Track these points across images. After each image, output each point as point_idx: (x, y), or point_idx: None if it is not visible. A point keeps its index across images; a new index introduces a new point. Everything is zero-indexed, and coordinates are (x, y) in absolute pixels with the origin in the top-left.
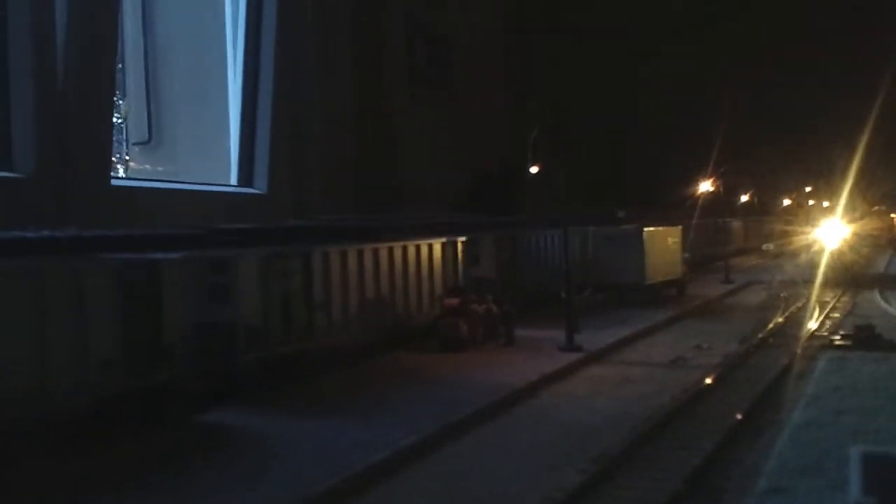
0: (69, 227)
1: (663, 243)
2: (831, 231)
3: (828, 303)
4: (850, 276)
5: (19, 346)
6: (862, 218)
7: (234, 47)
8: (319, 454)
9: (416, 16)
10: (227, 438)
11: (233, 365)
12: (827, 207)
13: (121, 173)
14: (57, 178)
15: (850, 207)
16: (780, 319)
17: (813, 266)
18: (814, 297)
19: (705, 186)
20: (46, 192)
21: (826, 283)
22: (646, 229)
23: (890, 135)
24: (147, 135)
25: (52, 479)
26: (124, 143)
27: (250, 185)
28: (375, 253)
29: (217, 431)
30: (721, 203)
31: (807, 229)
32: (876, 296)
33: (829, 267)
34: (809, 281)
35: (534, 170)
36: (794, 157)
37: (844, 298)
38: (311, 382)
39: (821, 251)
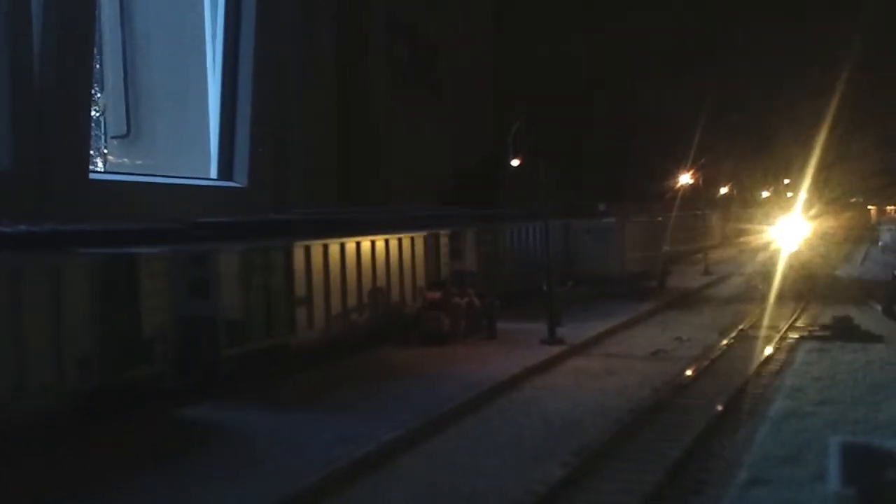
0: (47, 222)
1: (643, 236)
2: (789, 230)
3: (809, 291)
4: (810, 281)
5: None
6: (820, 215)
7: (213, 39)
8: (302, 449)
9: (399, 15)
10: (209, 434)
11: (214, 360)
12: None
13: (100, 167)
14: (35, 172)
15: (809, 204)
16: (759, 310)
17: (767, 270)
18: (772, 298)
19: (685, 179)
20: (25, 187)
21: (783, 295)
22: (625, 222)
23: (846, 133)
24: (126, 128)
25: (30, 479)
26: (103, 137)
27: (230, 179)
28: (357, 246)
29: (198, 427)
30: (701, 195)
31: (763, 227)
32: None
33: (788, 270)
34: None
35: (515, 163)
36: (769, 149)
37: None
38: (292, 377)
39: (778, 253)
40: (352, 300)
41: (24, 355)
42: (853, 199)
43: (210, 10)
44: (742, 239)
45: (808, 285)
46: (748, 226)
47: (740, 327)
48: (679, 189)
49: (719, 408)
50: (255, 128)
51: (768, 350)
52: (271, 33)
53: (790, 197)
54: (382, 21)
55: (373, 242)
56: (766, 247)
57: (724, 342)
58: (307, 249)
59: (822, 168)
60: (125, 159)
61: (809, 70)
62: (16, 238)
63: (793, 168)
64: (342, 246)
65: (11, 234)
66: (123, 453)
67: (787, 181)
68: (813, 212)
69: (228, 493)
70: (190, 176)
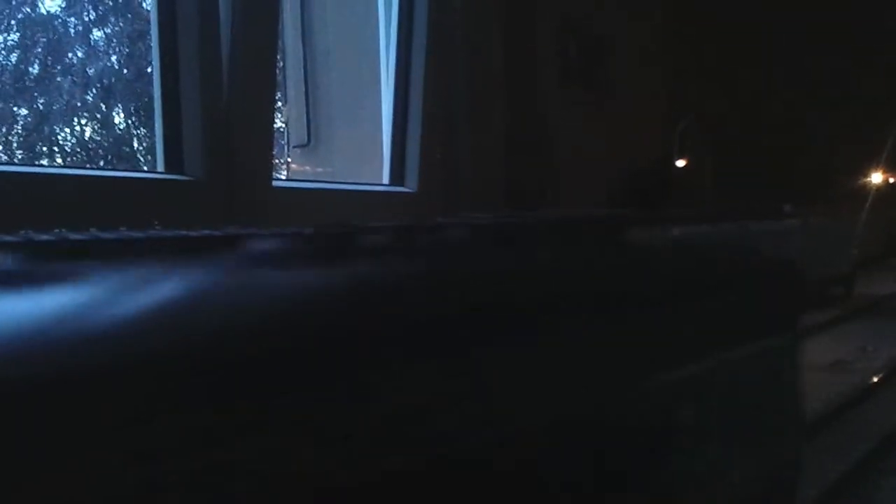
0: (227, 227)
1: (830, 239)
2: None
3: None
4: None
5: None
6: None
7: (388, 52)
8: None
9: (570, 13)
10: None
11: None
12: None
13: (283, 175)
14: (224, 181)
15: None
16: None
17: None
18: None
19: (878, 177)
20: (214, 194)
21: None
22: (811, 224)
23: None
24: (306, 138)
25: None
26: (286, 147)
27: (401, 185)
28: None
29: None
30: None
31: None
32: None
33: None
34: None
35: (681, 163)
36: None
37: None
38: None
39: None
40: None
41: None
42: None
43: (384, 25)
44: None
45: None
46: None
47: None
48: (872, 188)
49: None
50: (426, 134)
51: None
52: (442, 43)
53: None
54: (552, 19)
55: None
56: None
57: None
58: None
59: None
60: (306, 167)
61: None
62: (195, 241)
63: None
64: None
65: (193, 238)
66: None
67: None
68: None
69: None
70: (364, 182)
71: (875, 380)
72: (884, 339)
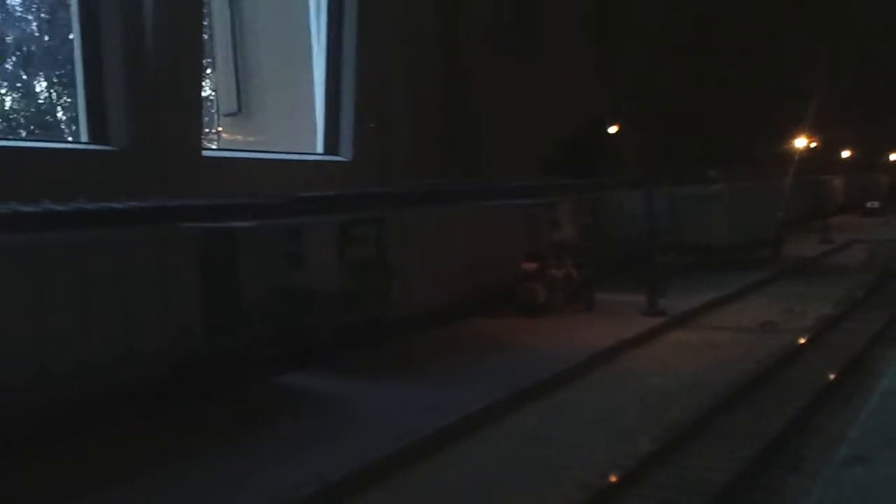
0: (155, 198)
1: (756, 203)
2: None
3: None
4: None
5: (104, 313)
6: None
7: (318, 16)
8: (391, 417)
9: None
10: (302, 401)
11: (309, 330)
12: None
13: (213, 145)
14: (151, 151)
15: None
16: (880, 280)
17: None
18: None
19: (801, 143)
20: (140, 164)
21: None
22: (736, 188)
23: None
24: (236, 106)
25: (138, 439)
26: (215, 116)
27: (336, 154)
28: (453, 218)
29: (292, 394)
30: (821, 160)
31: None
32: None
33: None
34: None
35: (612, 129)
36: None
37: None
38: (385, 347)
39: None
40: (446, 271)
41: (131, 323)
42: None
43: None
44: (872, 203)
45: None
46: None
47: (858, 297)
48: (795, 153)
49: (825, 383)
50: (360, 103)
51: (884, 321)
52: (374, 11)
53: None
54: None
55: (468, 213)
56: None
57: (839, 313)
58: (402, 221)
59: None
60: (238, 136)
61: None
62: (124, 213)
63: None
64: (438, 217)
65: (121, 210)
66: (220, 419)
67: None
68: None
69: (315, 458)
70: (297, 151)
71: (803, 340)
72: (810, 300)
